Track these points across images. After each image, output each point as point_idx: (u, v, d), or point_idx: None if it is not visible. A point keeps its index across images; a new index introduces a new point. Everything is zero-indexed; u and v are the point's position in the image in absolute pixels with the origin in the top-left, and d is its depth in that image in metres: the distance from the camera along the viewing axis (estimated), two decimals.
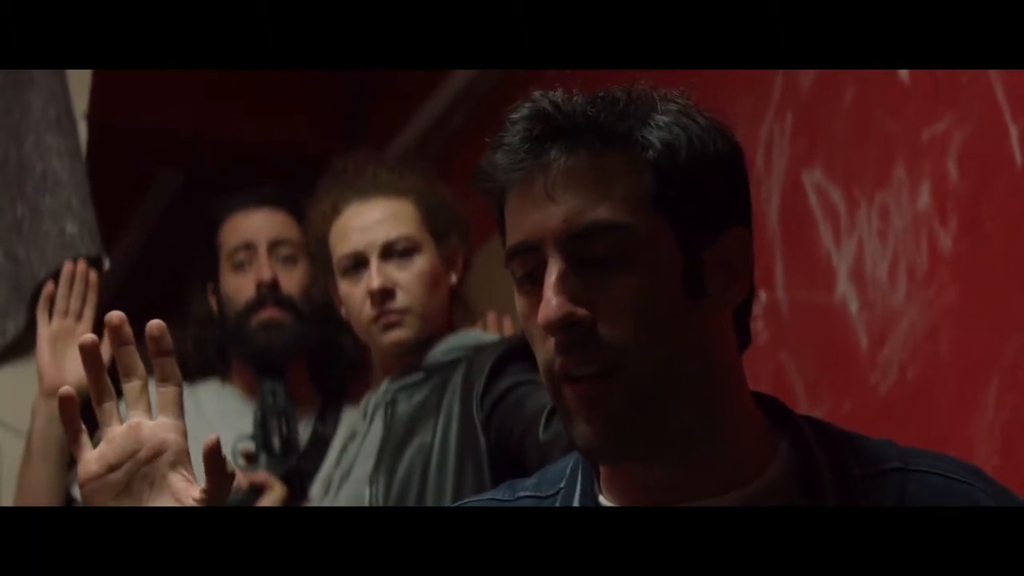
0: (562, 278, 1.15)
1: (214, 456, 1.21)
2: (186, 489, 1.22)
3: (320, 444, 2.49)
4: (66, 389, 1.24)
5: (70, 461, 2.39)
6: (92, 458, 1.23)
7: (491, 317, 2.42)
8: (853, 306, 2.27)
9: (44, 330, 2.41)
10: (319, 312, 2.48)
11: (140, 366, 1.25)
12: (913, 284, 2.15)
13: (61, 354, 2.39)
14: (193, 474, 1.24)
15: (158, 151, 4.01)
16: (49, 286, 2.44)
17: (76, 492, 2.38)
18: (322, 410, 2.55)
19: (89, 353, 1.23)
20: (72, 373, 2.36)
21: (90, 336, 1.24)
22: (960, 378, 2.05)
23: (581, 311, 1.14)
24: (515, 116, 1.18)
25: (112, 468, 1.22)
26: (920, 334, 2.13)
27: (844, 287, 2.29)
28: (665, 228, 1.16)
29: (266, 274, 2.46)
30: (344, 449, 2.25)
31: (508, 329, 2.40)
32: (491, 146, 1.19)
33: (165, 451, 1.23)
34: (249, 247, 2.50)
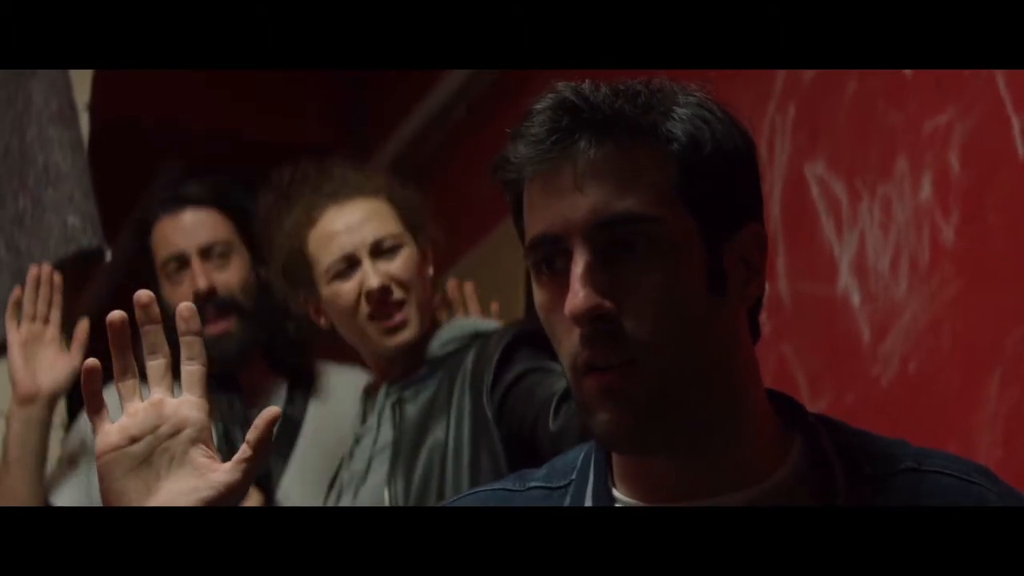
0: (589, 269, 1.14)
1: (270, 426, 1.23)
2: (210, 464, 1.23)
3: (292, 427, 2.45)
4: (92, 361, 1.25)
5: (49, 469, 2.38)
6: (112, 429, 1.23)
7: (451, 283, 2.41)
8: (855, 298, 2.27)
9: (14, 336, 2.38)
10: (261, 303, 2.44)
11: (165, 345, 1.26)
12: (915, 277, 2.15)
13: (32, 359, 2.37)
14: (215, 451, 1.24)
15: (160, 143, 4.01)
16: (16, 291, 2.42)
17: (55, 502, 2.35)
18: (289, 393, 2.51)
19: (117, 329, 1.24)
20: (45, 377, 2.35)
21: (119, 312, 1.24)
22: (962, 370, 2.05)
23: (608, 304, 1.14)
24: (540, 107, 1.17)
25: (133, 440, 1.22)
26: (922, 326, 2.13)
27: (846, 279, 2.29)
28: (689, 222, 1.16)
29: (201, 283, 2.40)
30: (351, 455, 2.23)
31: (469, 292, 2.40)
32: (512, 136, 1.18)
33: (187, 428, 1.23)
34: (180, 258, 2.43)
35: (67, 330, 2.41)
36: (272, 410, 1.24)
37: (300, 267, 2.20)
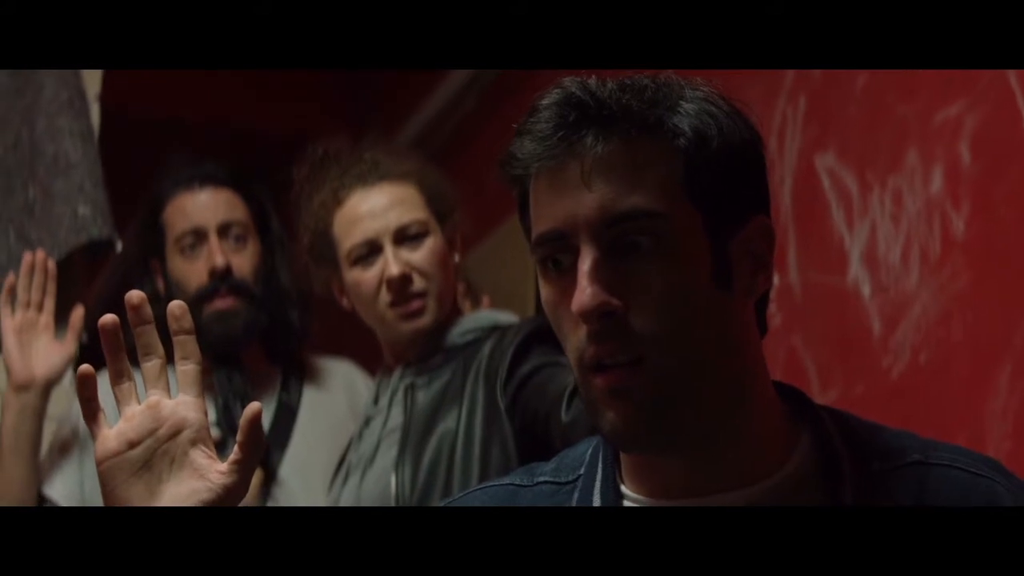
0: (596, 266, 1.14)
1: (254, 424, 1.22)
2: (209, 465, 1.22)
3: (288, 414, 2.46)
4: (85, 367, 1.24)
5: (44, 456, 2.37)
6: (111, 435, 1.23)
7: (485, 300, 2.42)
8: (866, 290, 2.26)
9: (8, 323, 2.38)
10: (268, 290, 2.46)
11: (159, 346, 1.25)
12: (926, 268, 2.15)
13: (27, 346, 2.37)
14: (214, 450, 1.24)
15: (170, 134, 4.01)
16: (10, 278, 2.42)
17: (48, 492, 2.35)
18: (284, 381, 2.52)
19: (109, 333, 1.23)
20: (40, 365, 2.35)
21: (111, 316, 1.24)
22: (972, 362, 2.05)
23: (615, 301, 1.14)
24: (545, 102, 1.17)
25: (132, 445, 1.22)
26: (932, 318, 2.12)
27: (857, 271, 2.28)
28: (696, 217, 1.16)
29: (219, 261, 2.40)
30: (360, 436, 2.23)
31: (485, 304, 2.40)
32: (518, 132, 1.18)
33: (185, 429, 1.23)
34: (198, 232, 2.43)
35: (65, 319, 2.41)
36: (254, 407, 1.23)
37: (325, 247, 2.20)
